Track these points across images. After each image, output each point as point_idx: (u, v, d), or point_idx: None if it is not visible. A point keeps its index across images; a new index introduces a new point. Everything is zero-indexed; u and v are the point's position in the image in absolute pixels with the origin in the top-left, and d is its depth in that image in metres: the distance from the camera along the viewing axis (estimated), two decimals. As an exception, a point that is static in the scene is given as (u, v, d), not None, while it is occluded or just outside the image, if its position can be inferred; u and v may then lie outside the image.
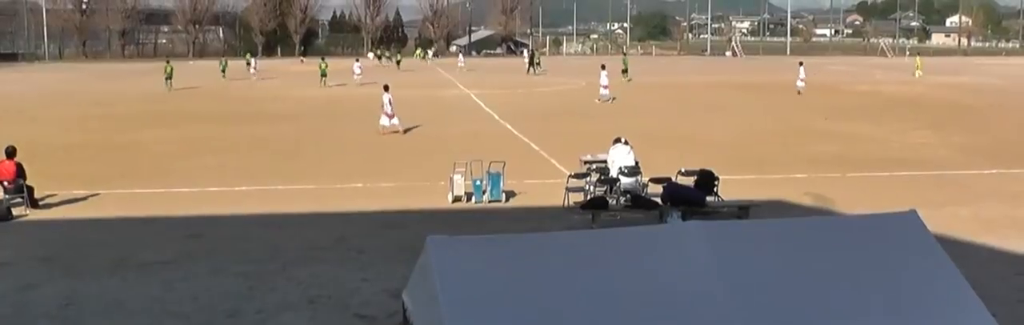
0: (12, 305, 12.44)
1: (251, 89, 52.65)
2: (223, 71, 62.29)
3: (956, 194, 19.59)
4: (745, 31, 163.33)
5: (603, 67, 43.76)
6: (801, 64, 49.23)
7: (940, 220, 14.49)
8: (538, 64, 69.88)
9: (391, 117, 30.51)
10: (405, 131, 30.87)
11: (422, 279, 8.46)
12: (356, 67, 57.31)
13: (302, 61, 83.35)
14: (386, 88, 31.39)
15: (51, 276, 13.89)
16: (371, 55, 69.44)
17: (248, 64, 64.78)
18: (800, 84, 46.74)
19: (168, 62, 55.40)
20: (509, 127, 31.90)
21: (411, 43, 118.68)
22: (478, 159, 19.33)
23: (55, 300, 12.59)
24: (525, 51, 79.60)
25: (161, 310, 12.10)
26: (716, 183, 17.22)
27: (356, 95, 47.13)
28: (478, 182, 18.69)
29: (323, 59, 60.80)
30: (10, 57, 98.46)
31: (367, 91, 48.39)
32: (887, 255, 8.13)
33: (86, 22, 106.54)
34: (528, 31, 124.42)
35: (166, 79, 52.36)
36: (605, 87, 42.53)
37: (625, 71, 56.88)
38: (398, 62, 77.46)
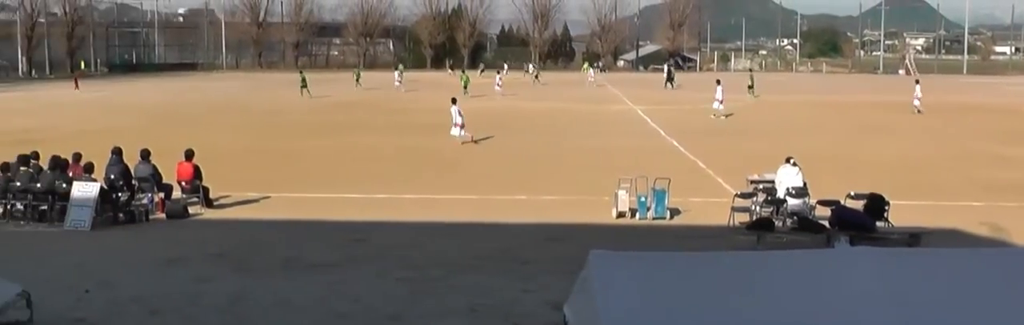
0: (186, 298, 12.97)
1: (399, 100, 53.62)
2: (357, 81, 64.70)
3: None
4: (919, 48, 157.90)
5: (718, 82, 43.37)
6: (917, 82, 47.77)
7: None
8: (672, 80, 69.73)
9: (461, 127, 31.61)
10: (476, 141, 31.77)
11: (584, 293, 8.48)
12: (498, 79, 59.77)
13: (450, 73, 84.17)
14: (454, 101, 32.93)
15: (223, 272, 14.46)
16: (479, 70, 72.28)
17: (400, 74, 66.03)
18: (916, 103, 45.42)
19: (301, 72, 60.61)
20: (675, 143, 31.70)
21: (578, 57, 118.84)
22: (643, 175, 19.23)
23: (226, 295, 13.08)
24: (665, 67, 79.15)
25: (326, 310, 12.42)
26: (886, 208, 16.77)
27: (502, 108, 47.80)
28: (643, 198, 18.62)
29: (464, 71, 63.80)
30: (190, 67, 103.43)
31: (512, 104, 49.08)
32: (1070, 291, 7.79)
33: (262, 34, 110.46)
34: (696, 46, 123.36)
35: (302, 87, 55.54)
36: (719, 101, 42.12)
37: (751, 87, 56.30)
38: (536, 76, 77.41)
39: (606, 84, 71.50)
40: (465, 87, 56.15)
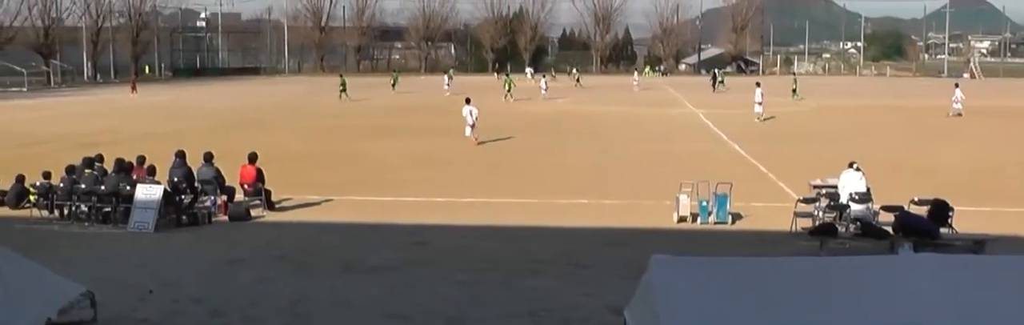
0: (248, 298, 13.13)
1: (455, 103, 53.83)
2: (394, 85, 66.03)
3: None
4: (985, 51, 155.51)
5: (758, 84, 43.71)
6: (957, 86, 47.39)
7: None
8: (722, 82, 69.72)
9: (472, 127, 32.54)
10: (480, 143, 32.24)
11: (644, 297, 8.45)
12: (543, 83, 61.79)
13: (497, 77, 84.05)
14: (468, 101, 33.67)
15: (284, 273, 14.59)
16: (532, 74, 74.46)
17: (450, 78, 66.46)
18: (957, 106, 45.05)
19: (341, 76, 62.45)
20: (737, 148, 31.49)
21: (640, 61, 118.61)
22: (705, 179, 19.11)
23: (287, 296, 13.20)
24: (715, 71, 79.14)
25: (385, 312, 12.49)
26: (951, 214, 16.51)
27: (561, 111, 48.03)
28: (704, 203, 18.49)
29: (508, 75, 64.62)
30: (253, 71, 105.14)
31: (572, 108, 49.17)
32: None
33: (324, 39, 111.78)
34: (759, 50, 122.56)
35: (341, 91, 57.07)
36: (759, 104, 42.38)
37: (795, 91, 56.72)
38: (578, 80, 76.64)
39: (666, 87, 71.17)
40: (509, 90, 56.64)
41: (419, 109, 50.20)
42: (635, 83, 72.24)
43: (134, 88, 66.52)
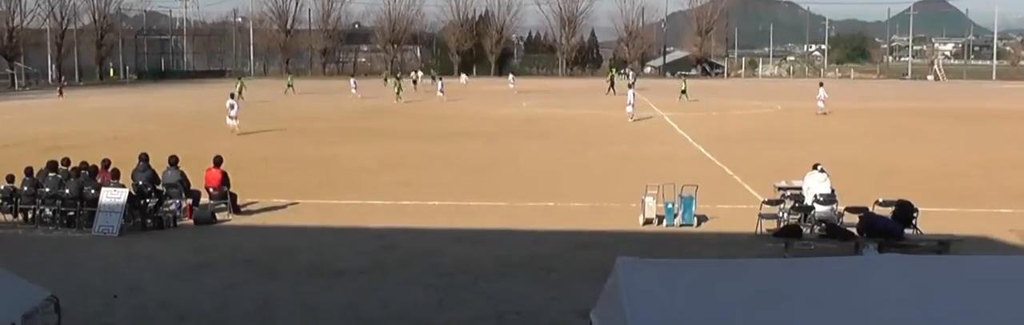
0: (214, 303, 13.08)
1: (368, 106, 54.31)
2: (290, 85, 67.96)
3: None
4: (948, 54, 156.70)
5: (630, 86, 46.43)
6: (821, 85, 49.64)
7: None
8: (631, 85, 69.94)
9: (234, 119, 36.85)
10: (241, 134, 35.66)
11: (611, 300, 8.44)
12: (440, 84, 62.31)
13: (386, 83, 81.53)
14: (231, 96, 38.53)
15: (251, 278, 14.53)
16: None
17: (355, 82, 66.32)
18: (820, 105, 47.19)
19: (239, 78, 64.98)
20: (702, 150, 31.61)
21: (605, 64, 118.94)
22: (671, 182, 19.17)
23: (254, 301, 13.16)
24: (628, 72, 79.20)
25: (353, 316, 12.48)
26: (915, 215, 16.65)
27: (525, 114, 47.96)
28: (670, 205, 18.55)
29: (399, 77, 65.26)
30: (218, 74, 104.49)
31: (535, 111, 49.31)
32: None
33: (290, 41, 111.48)
34: (724, 53, 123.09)
35: (239, 93, 57.28)
36: (630, 105, 43.74)
37: (684, 92, 58.63)
38: (424, 84, 74.87)
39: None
40: (398, 93, 57.74)
41: (391, 113, 50.11)
42: (512, 85, 72.14)
43: (61, 93, 65.90)
